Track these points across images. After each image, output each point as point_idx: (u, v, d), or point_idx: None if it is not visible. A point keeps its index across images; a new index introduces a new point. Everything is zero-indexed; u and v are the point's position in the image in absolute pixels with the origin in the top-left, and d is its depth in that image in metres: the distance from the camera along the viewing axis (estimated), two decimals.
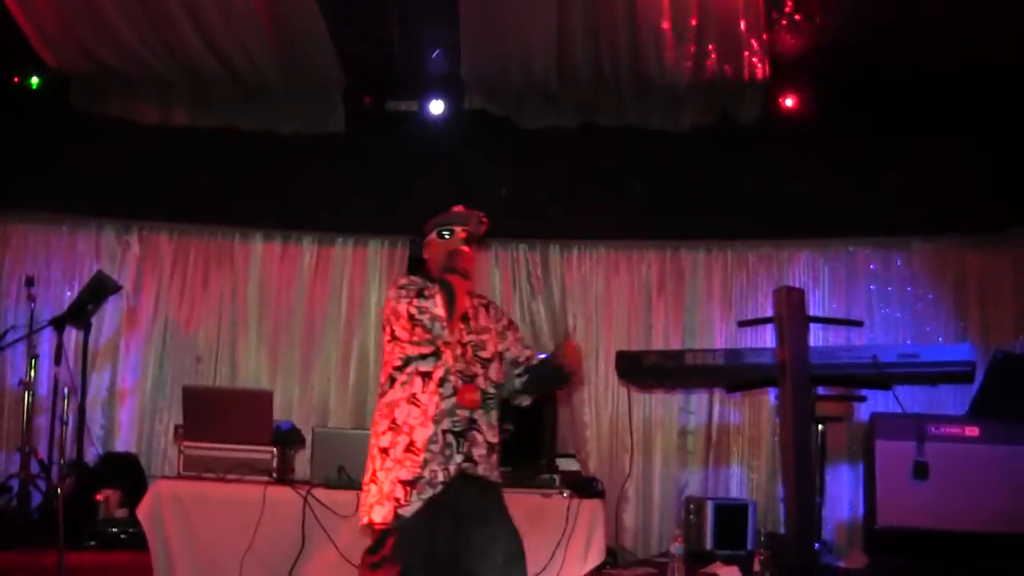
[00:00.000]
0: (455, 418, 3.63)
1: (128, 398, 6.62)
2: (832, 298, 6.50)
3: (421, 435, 3.61)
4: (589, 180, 6.52)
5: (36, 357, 6.15)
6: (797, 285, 6.03)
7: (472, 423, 3.66)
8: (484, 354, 3.78)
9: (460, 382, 3.66)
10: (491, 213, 6.40)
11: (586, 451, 6.44)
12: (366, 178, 6.48)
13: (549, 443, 5.49)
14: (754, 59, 6.08)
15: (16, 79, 6.43)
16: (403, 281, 3.74)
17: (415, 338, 3.66)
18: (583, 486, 5.23)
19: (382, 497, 3.61)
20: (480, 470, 3.67)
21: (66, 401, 6.06)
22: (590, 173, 6.53)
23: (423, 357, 3.66)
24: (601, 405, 6.51)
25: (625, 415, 6.36)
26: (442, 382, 3.65)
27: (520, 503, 4.91)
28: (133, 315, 6.66)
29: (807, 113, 6.38)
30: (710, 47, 5.98)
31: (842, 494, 6.20)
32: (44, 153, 6.42)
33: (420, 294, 3.62)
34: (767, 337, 6.17)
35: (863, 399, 5.67)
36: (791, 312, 4.84)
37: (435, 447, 3.59)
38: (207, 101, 6.57)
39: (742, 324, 6.23)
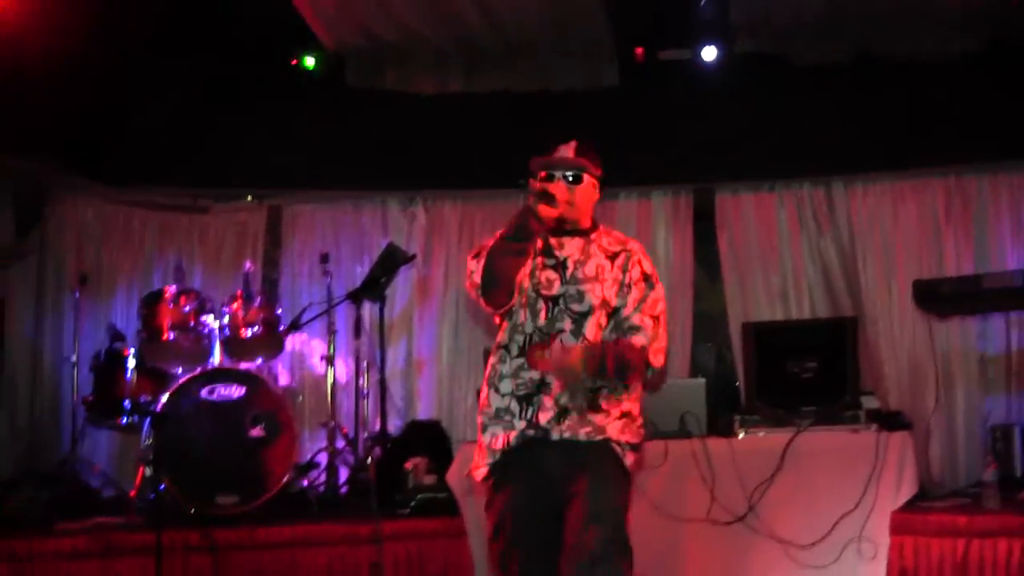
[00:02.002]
0: (520, 381, 3.30)
1: (426, 367, 6.71)
2: None
3: (490, 400, 3.36)
4: (865, 113, 6.39)
5: (334, 333, 6.25)
6: None
7: (542, 385, 3.28)
8: (577, 307, 3.33)
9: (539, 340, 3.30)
10: (772, 154, 6.47)
11: (884, 387, 6.36)
12: (644, 129, 6.43)
13: (852, 379, 5.46)
14: None
15: (293, 61, 6.51)
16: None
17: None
18: (889, 419, 5.21)
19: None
20: (555, 434, 3.27)
21: (366, 374, 6.16)
22: (866, 106, 6.40)
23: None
24: (898, 340, 6.42)
25: (922, 347, 6.30)
26: (507, 343, 3.36)
27: (828, 441, 5.02)
28: (424, 285, 6.74)
29: None
30: None
31: None
32: (323, 133, 6.51)
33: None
34: None
35: None
36: None
37: (489, 411, 3.34)
38: (480, 67, 6.58)
39: None
